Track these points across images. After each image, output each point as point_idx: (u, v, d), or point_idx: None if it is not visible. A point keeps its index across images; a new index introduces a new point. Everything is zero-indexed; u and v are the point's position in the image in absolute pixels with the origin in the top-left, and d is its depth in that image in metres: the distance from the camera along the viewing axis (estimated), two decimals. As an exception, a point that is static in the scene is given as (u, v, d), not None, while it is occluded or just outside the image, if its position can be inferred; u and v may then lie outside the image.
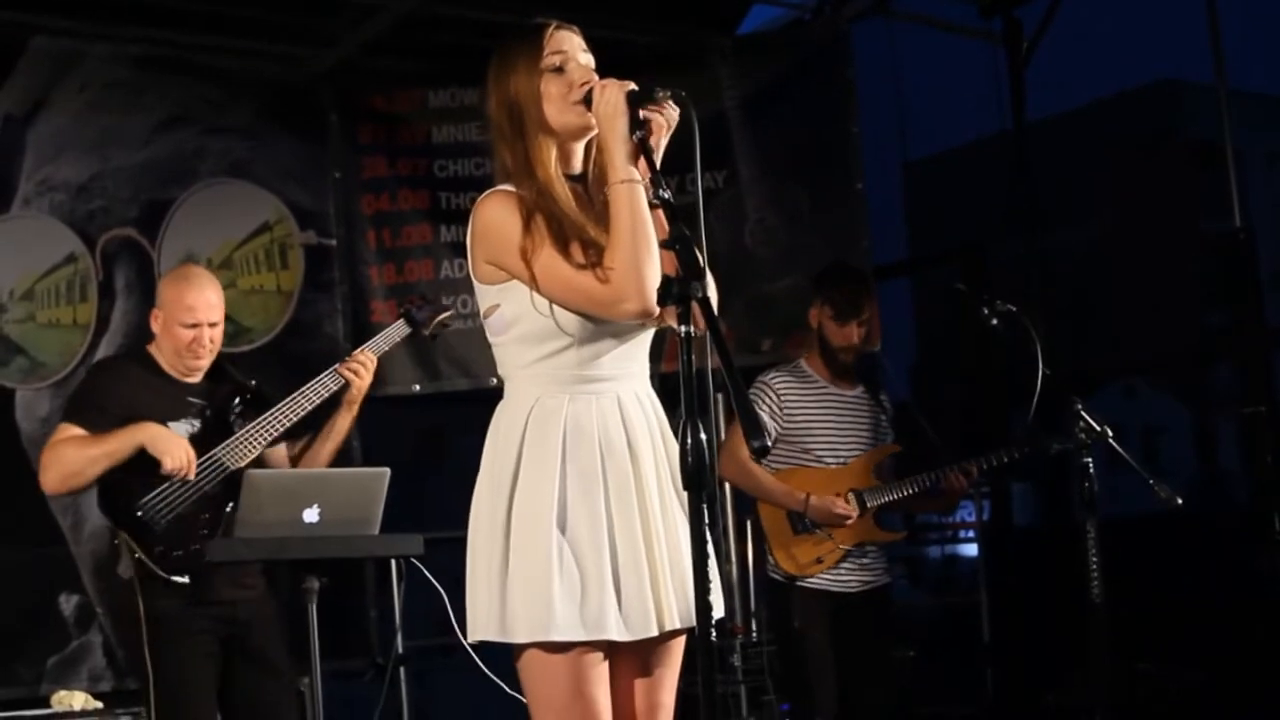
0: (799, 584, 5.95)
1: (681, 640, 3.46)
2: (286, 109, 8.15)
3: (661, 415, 3.49)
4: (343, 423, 5.31)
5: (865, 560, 6.01)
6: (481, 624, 3.30)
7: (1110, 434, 5.22)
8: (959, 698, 8.86)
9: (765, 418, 5.87)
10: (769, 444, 3.14)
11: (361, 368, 5.26)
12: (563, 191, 3.36)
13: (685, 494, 3.12)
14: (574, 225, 3.32)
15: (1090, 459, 5.18)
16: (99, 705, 5.61)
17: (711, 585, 3.07)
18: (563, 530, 3.28)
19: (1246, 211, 8.44)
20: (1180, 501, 5.16)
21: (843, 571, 5.96)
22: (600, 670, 3.32)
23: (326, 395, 5.24)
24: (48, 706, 5.73)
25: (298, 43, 8.18)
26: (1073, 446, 5.38)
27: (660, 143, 3.34)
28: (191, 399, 5.23)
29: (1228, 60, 8.34)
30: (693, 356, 3.12)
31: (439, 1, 7.90)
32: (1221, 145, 8.75)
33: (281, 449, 5.34)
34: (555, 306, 3.31)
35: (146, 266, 7.74)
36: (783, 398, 5.94)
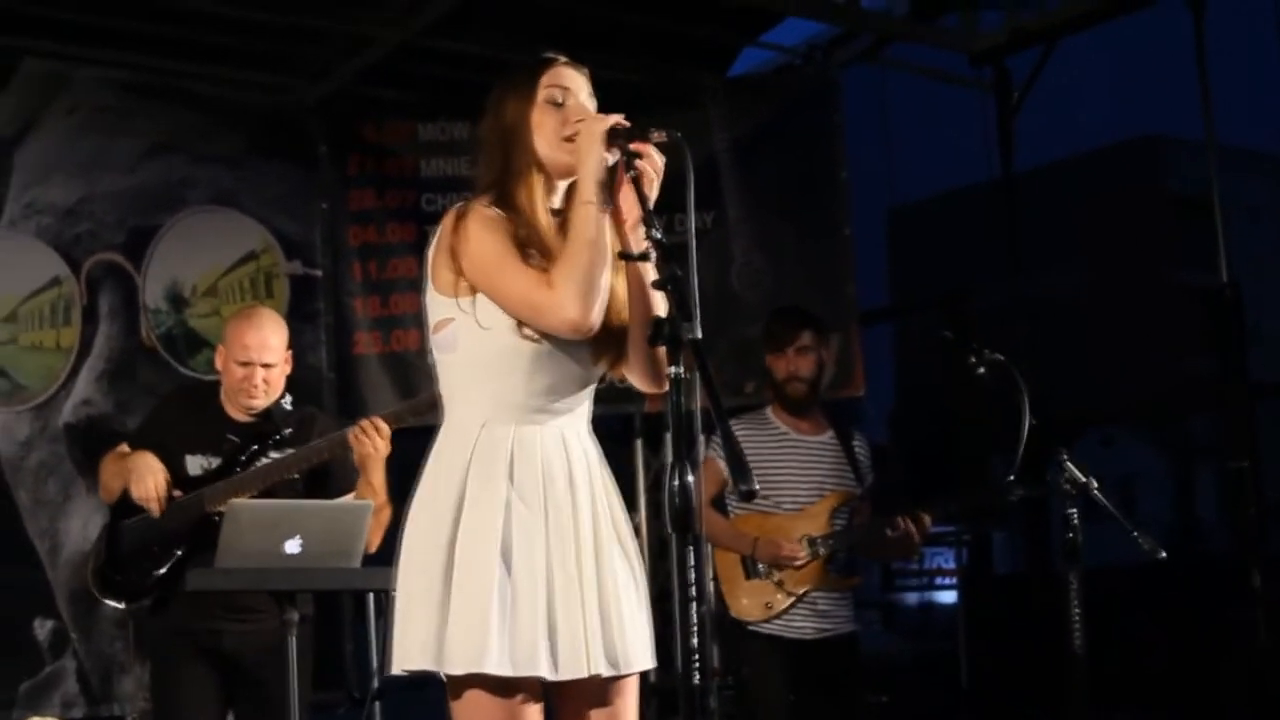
0: (750, 630, 5.89)
1: (634, 682, 3.41)
2: (275, 138, 8.15)
3: (600, 453, 3.47)
4: (361, 493, 5.11)
5: (821, 607, 5.93)
6: (416, 653, 3.23)
7: (1095, 484, 5.20)
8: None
9: (721, 465, 5.74)
10: (756, 488, 3.10)
11: (365, 438, 5.06)
12: (541, 220, 3.34)
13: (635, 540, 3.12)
14: (541, 247, 3.30)
15: (1074, 509, 5.16)
16: (72, 731, 5.57)
17: (642, 633, 3.06)
18: (505, 565, 3.23)
19: (1232, 265, 8.47)
20: (1164, 554, 5.14)
21: (796, 618, 5.89)
22: (534, 708, 3.27)
23: (327, 455, 5.17)
24: (19, 732, 5.69)
25: (288, 72, 8.19)
26: (1034, 494, 5.39)
27: (651, 191, 3.31)
28: (230, 436, 5.23)
29: (1215, 114, 8.38)
30: (681, 398, 3.11)
31: (430, 34, 7.90)
32: (1206, 199, 8.78)
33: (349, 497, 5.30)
34: (513, 331, 3.27)
35: (131, 292, 7.72)
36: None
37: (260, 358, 5.20)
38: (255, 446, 5.18)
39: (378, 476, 5.08)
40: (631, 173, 3.28)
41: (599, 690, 3.37)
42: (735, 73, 9.23)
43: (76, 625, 7.28)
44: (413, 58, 8.13)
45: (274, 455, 5.17)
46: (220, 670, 5.16)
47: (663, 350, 3.14)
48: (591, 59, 3.61)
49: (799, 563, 5.82)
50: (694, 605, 3.07)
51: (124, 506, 5.15)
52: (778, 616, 5.87)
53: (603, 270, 3.26)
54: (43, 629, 7.30)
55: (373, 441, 5.04)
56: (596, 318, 3.26)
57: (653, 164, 3.30)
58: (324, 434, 5.24)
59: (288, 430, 5.21)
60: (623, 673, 3.35)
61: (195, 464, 5.18)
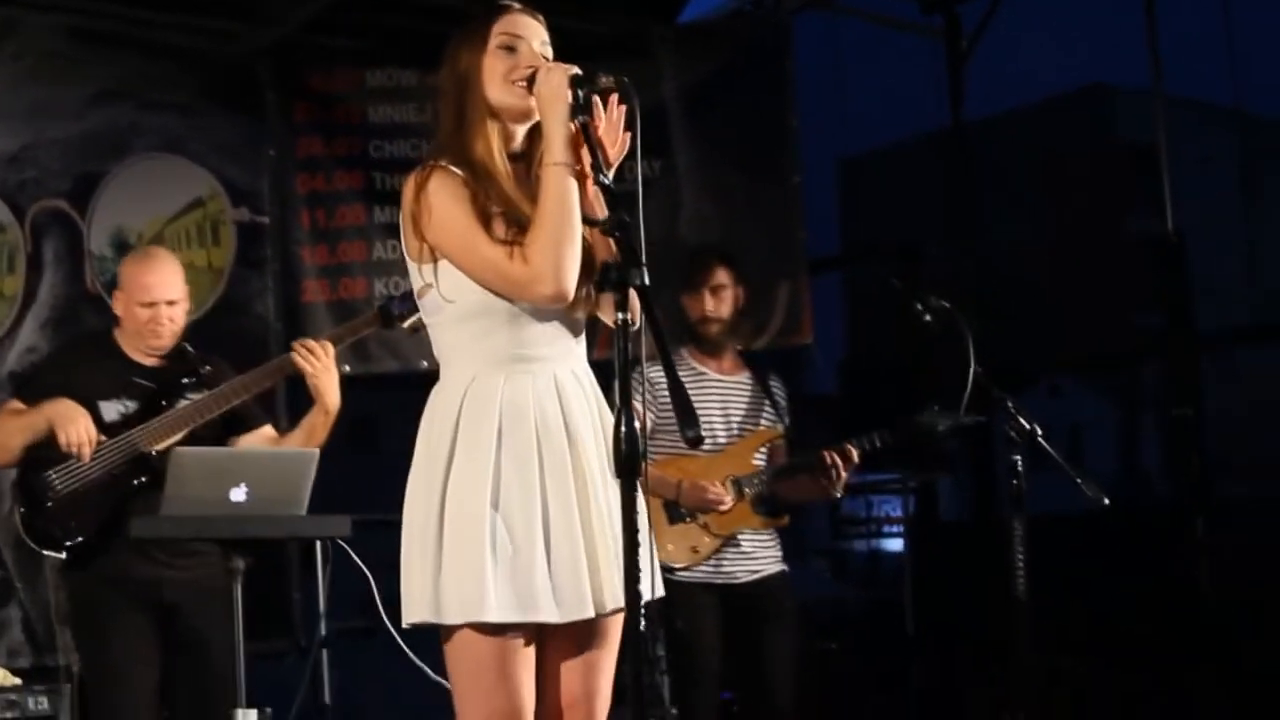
0: (677, 576, 5.77)
1: (618, 623, 3.45)
2: (223, 86, 8.07)
3: (600, 395, 3.50)
4: (316, 420, 5.18)
5: (748, 548, 5.89)
6: (416, 606, 3.29)
7: (1039, 432, 5.23)
8: (882, 691, 8.89)
9: (639, 407, 5.71)
10: (701, 434, 3.11)
11: (309, 355, 5.12)
12: (500, 168, 3.36)
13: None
14: (503, 202, 3.32)
15: (1018, 457, 5.19)
16: (17, 682, 5.54)
17: (642, 570, 3.08)
18: (497, 511, 3.27)
19: (1179, 216, 8.51)
20: (1107, 501, 5.17)
21: (725, 561, 5.85)
22: (526, 654, 3.32)
23: (266, 382, 5.18)
24: (-34, 682, 5.65)
25: (237, 19, 8.10)
26: (955, 425, 5.41)
27: (614, 143, 3.35)
28: (138, 380, 5.21)
29: (1163, 64, 8.41)
30: (628, 344, 3.12)
31: (379, -19, 7.86)
32: (1156, 149, 8.82)
33: (265, 433, 5.30)
34: (484, 290, 3.30)
35: (77, 239, 7.65)
36: (655, 386, 5.55)
37: (164, 295, 5.20)
38: (181, 383, 5.17)
39: (332, 400, 5.13)
40: (581, 118, 3.30)
41: (589, 630, 3.43)
42: (686, 19, 9.20)
43: (21, 575, 7.22)
44: (361, 5, 8.05)
45: (192, 396, 5.15)
46: (158, 620, 5.13)
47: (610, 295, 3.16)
48: (541, 6, 3.62)
49: (725, 506, 5.77)
50: (639, 550, 3.09)
51: (37, 460, 5.10)
52: (705, 560, 5.82)
53: (576, 235, 3.29)
54: (-14, 579, 7.26)
55: (315, 358, 5.05)
56: (572, 285, 3.29)
57: (610, 121, 3.32)
58: (229, 379, 5.23)
59: (205, 369, 5.20)
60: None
61: (112, 409, 5.15)
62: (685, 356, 5.98)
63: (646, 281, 3.11)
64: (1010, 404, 5.28)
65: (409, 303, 5.32)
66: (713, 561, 5.83)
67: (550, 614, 3.28)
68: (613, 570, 3.34)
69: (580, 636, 3.42)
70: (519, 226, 3.29)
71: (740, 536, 5.88)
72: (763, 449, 5.98)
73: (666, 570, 5.69)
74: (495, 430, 3.31)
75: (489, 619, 3.22)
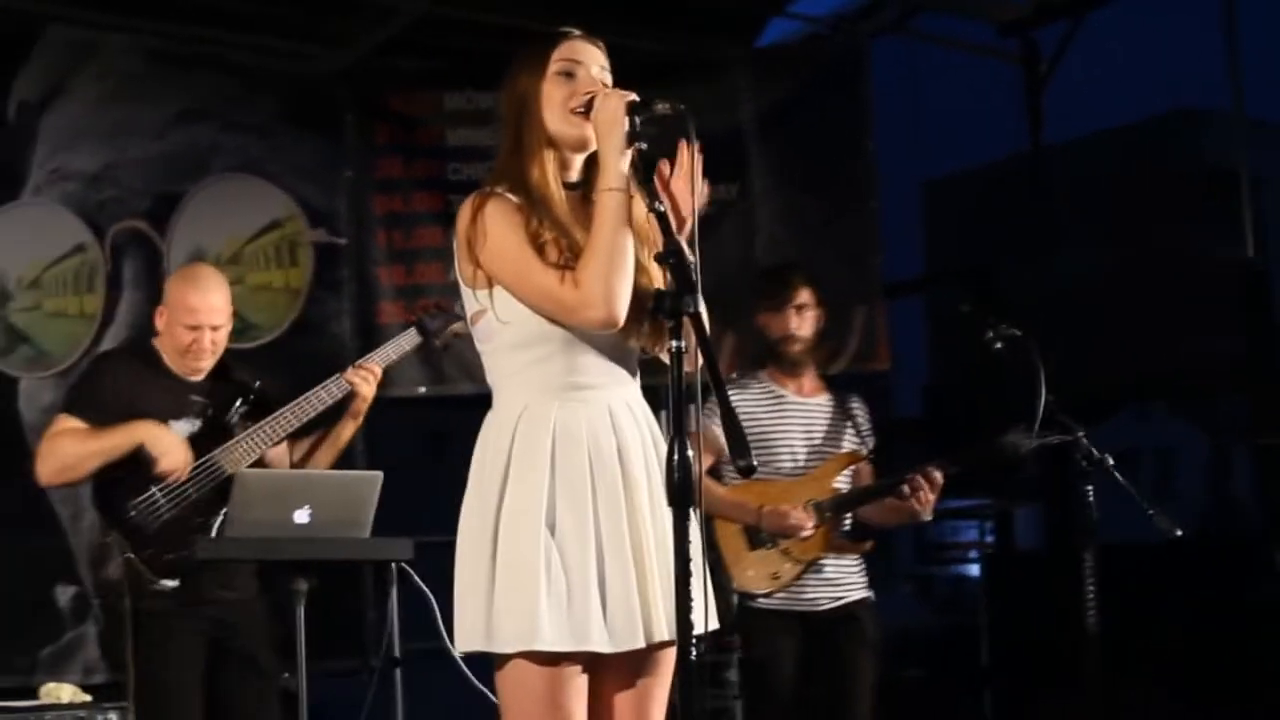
0: (757, 604, 5.67)
1: (672, 653, 3.40)
2: (302, 107, 8.14)
3: (654, 423, 3.47)
4: (345, 432, 5.25)
5: (831, 575, 5.72)
6: (468, 634, 3.27)
7: (1110, 461, 5.15)
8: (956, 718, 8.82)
9: (717, 431, 5.38)
10: (754, 464, 3.08)
11: (368, 377, 5.17)
12: (555, 195, 3.34)
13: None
14: (557, 229, 3.30)
15: (1090, 486, 5.11)
16: (87, 698, 5.56)
17: (694, 601, 3.05)
18: (551, 539, 3.24)
19: (1262, 240, 8.40)
20: (1180, 532, 5.08)
21: (806, 588, 5.68)
22: (579, 684, 3.29)
23: (331, 402, 5.18)
24: (36, 698, 5.69)
25: (315, 41, 8.19)
26: (1041, 445, 5.28)
27: (684, 190, 3.31)
28: (194, 397, 5.17)
29: (1246, 88, 8.32)
30: (681, 371, 3.10)
31: (455, 3, 7.88)
32: (1238, 173, 8.72)
33: (282, 451, 5.28)
34: (535, 314, 3.29)
35: (155, 259, 7.73)
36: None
37: (208, 320, 5.14)
38: (233, 403, 5.16)
39: (364, 410, 5.20)
40: (639, 145, 3.28)
41: (642, 661, 3.39)
42: (763, 43, 9.19)
43: (97, 592, 7.28)
44: (438, 27, 8.11)
45: (244, 414, 5.14)
46: (212, 639, 5.11)
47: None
48: (618, 29, 3.63)
49: (807, 531, 5.61)
50: (691, 579, 3.06)
51: (119, 484, 5.05)
52: (786, 586, 5.67)
53: (629, 261, 3.27)
54: (65, 595, 7.33)
55: (374, 384, 5.15)
56: (623, 311, 3.26)
57: (684, 168, 3.30)
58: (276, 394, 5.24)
59: (257, 385, 5.20)
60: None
61: (182, 429, 5.10)
62: (764, 379, 5.85)
63: (701, 309, 3.08)
64: (1082, 433, 5.20)
65: (441, 318, 5.36)
66: (794, 588, 5.68)
67: (602, 644, 3.25)
68: (662, 601, 3.30)
69: (633, 666, 3.38)
70: (572, 253, 3.27)
71: (823, 562, 5.71)
72: (845, 472, 5.82)
73: (746, 597, 5.68)
74: (549, 457, 3.28)
75: (542, 648, 3.19)
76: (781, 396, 5.80)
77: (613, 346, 3.38)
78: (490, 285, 3.32)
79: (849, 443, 5.84)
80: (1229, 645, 8.17)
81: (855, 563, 5.82)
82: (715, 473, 5.77)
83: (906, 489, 5.51)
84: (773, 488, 5.69)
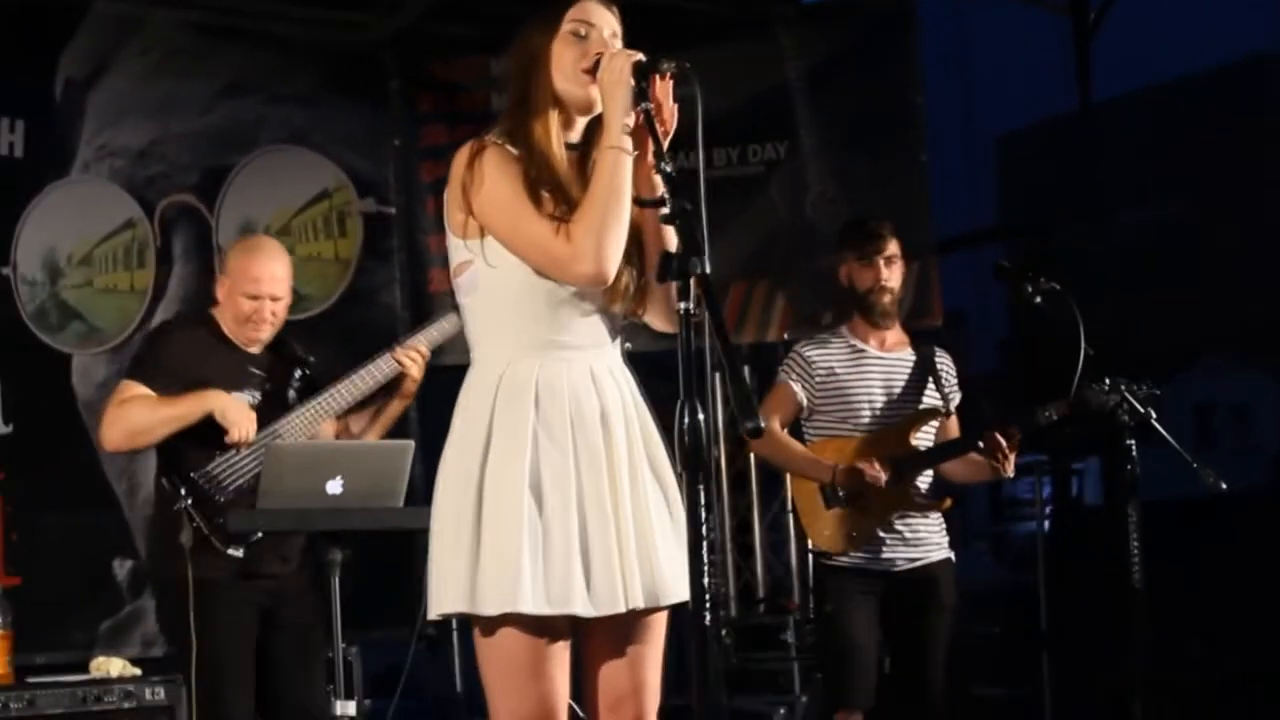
0: (834, 562, 5.60)
1: (663, 617, 3.39)
2: (347, 76, 8.17)
3: (635, 389, 3.43)
4: (395, 409, 5.24)
5: (909, 535, 5.61)
6: (450, 596, 3.22)
7: (1154, 415, 5.08)
8: (1014, 679, 8.73)
9: (796, 388, 5.59)
10: (761, 425, 3.03)
11: (416, 358, 5.15)
12: (556, 152, 3.32)
13: (674, 475, 3.09)
14: (555, 185, 3.28)
15: (1133, 440, 5.04)
16: (137, 672, 5.58)
17: (679, 566, 3.01)
18: (535, 501, 3.21)
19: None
20: (1225, 486, 5.01)
21: (884, 547, 5.58)
22: (560, 649, 3.26)
23: (383, 380, 5.16)
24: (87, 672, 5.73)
25: (359, 9, 8.18)
26: (1126, 398, 5.17)
27: (668, 127, 3.28)
28: (254, 369, 5.19)
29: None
30: (690, 334, 3.06)
31: (499, -33, 7.85)
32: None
33: (330, 427, 5.30)
34: (527, 267, 3.26)
35: (205, 233, 7.77)
36: (813, 365, 5.61)
37: (270, 290, 5.15)
38: (289, 376, 5.18)
39: (413, 390, 5.19)
40: (644, 106, 3.24)
41: (629, 626, 3.35)
42: (809, 1, 9.11)
43: (156, 566, 7.33)
44: (482, -9, 8.09)
45: (298, 385, 5.16)
46: (264, 610, 5.15)
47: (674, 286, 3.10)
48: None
49: (881, 484, 5.48)
50: (704, 545, 3.03)
51: (181, 454, 5.07)
52: (863, 545, 5.58)
53: (624, 219, 3.24)
54: (122, 569, 7.38)
55: (422, 365, 5.13)
56: (613, 268, 3.24)
57: (665, 110, 3.26)
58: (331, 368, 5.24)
59: (311, 359, 5.21)
60: (660, 605, 3.33)
61: (244, 400, 5.11)
62: (844, 333, 5.75)
63: (708, 269, 3.04)
64: (1124, 386, 5.13)
65: None
66: (872, 547, 5.58)
67: (584, 608, 3.22)
68: (636, 568, 3.27)
69: (622, 630, 3.35)
70: (568, 208, 3.24)
71: (900, 522, 5.61)
72: (927, 428, 5.72)
73: (823, 555, 5.64)
74: (531, 418, 3.25)
75: (524, 610, 3.16)
76: (862, 351, 5.71)
77: (597, 310, 3.35)
78: (481, 235, 3.28)
79: (930, 398, 5.72)
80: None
81: (935, 522, 5.71)
82: (794, 430, 5.71)
83: (987, 445, 5.44)
84: (851, 444, 5.61)
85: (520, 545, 3.17)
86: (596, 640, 3.37)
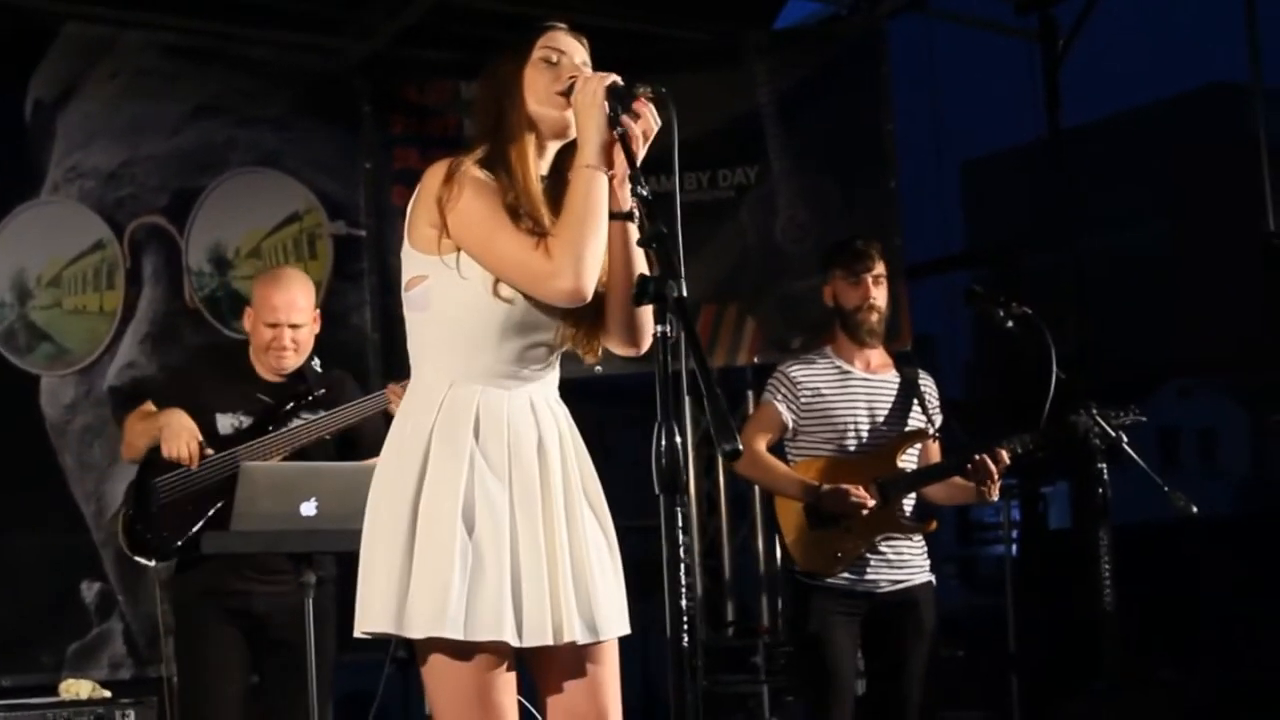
0: (818, 584, 5.55)
1: (613, 644, 3.38)
2: (318, 99, 8.17)
3: (572, 424, 3.44)
4: None
5: (893, 557, 5.58)
6: (377, 614, 3.20)
7: (1125, 439, 5.10)
8: (984, 702, 8.75)
9: (781, 408, 5.59)
10: (740, 447, 3.04)
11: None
12: (532, 176, 3.31)
13: (608, 508, 3.12)
14: (530, 209, 3.27)
15: (1104, 465, 5.06)
16: (106, 694, 5.59)
17: (617, 599, 3.03)
18: (467, 528, 3.20)
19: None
20: (1195, 510, 5.03)
21: (867, 568, 5.55)
22: (506, 676, 3.24)
23: (367, 415, 5.17)
24: (56, 695, 5.72)
25: (330, 33, 8.19)
26: (1113, 425, 5.19)
27: (639, 150, 3.27)
28: (260, 396, 5.25)
29: (1266, 60, 8.25)
30: (668, 357, 3.06)
31: (469, -8, 7.89)
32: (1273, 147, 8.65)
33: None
34: (489, 290, 3.25)
35: (174, 255, 7.77)
36: (799, 385, 5.61)
37: (289, 318, 5.21)
38: (288, 406, 5.19)
39: None
40: (619, 130, 3.25)
41: (576, 658, 3.34)
42: (780, 26, 9.15)
43: (123, 587, 7.33)
44: (454, 17, 8.11)
45: (306, 416, 5.19)
46: (247, 632, 5.17)
47: (648, 309, 3.11)
48: (636, 14, 3.59)
49: (868, 509, 5.47)
50: (682, 566, 3.04)
51: (152, 464, 5.14)
52: (847, 567, 5.55)
53: (600, 237, 3.25)
54: (90, 591, 7.36)
55: None
56: (591, 285, 3.24)
57: (646, 124, 3.26)
58: (353, 397, 5.25)
59: (320, 391, 5.22)
60: (600, 639, 3.32)
61: (226, 423, 5.19)
62: (829, 354, 5.73)
63: (684, 293, 3.05)
64: (1095, 410, 5.15)
65: None
66: (855, 568, 5.55)
67: (512, 636, 3.20)
68: (573, 602, 3.27)
69: (573, 659, 3.34)
70: (543, 230, 3.25)
71: (885, 543, 5.58)
72: (911, 451, 5.71)
73: (808, 576, 5.59)
74: (470, 443, 3.25)
75: (449, 634, 3.14)
76: (848, 372, 5.70)
77: (545, 341, 3.35)
78: (455, 250, 3.28)
79: (915, 420, 5.71)
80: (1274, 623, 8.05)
81: (918, 544, 5.70)
82: (778, 450, 5.70)
83: (975, 469, 5.44)
84: (835, 465, 5.60)
85: (451, 569, 3.15)
86: (549, 671, 3.36)
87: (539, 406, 3.36)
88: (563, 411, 3.43)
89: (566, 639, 3.25)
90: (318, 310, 5.37)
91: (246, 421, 5.20)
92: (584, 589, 3.29)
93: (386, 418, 5.18)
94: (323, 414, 5.18)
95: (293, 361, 5.28)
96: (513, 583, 3.22)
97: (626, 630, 3.38)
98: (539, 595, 3.23)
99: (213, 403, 5.20)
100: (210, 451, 5.09)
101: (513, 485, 3.27)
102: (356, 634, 3.29)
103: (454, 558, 3.16)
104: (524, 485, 3.28)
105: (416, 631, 3.16)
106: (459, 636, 3.15)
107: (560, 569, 3.27)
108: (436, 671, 3.22)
